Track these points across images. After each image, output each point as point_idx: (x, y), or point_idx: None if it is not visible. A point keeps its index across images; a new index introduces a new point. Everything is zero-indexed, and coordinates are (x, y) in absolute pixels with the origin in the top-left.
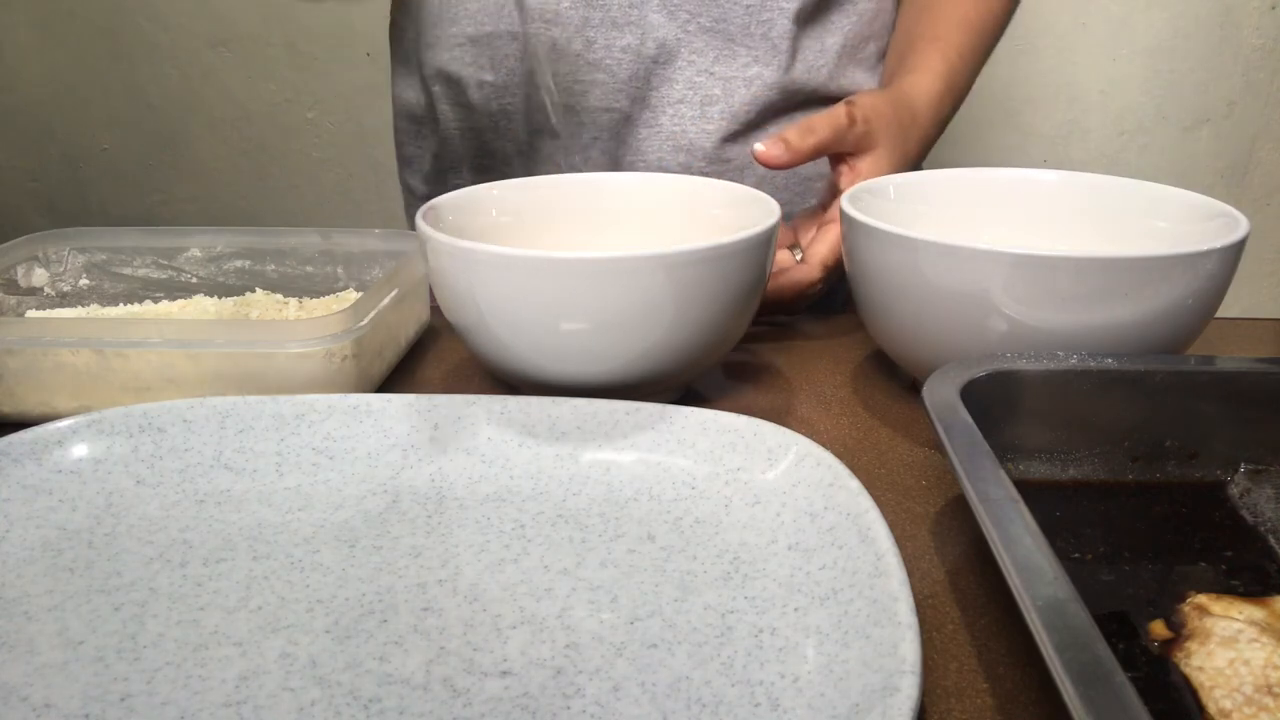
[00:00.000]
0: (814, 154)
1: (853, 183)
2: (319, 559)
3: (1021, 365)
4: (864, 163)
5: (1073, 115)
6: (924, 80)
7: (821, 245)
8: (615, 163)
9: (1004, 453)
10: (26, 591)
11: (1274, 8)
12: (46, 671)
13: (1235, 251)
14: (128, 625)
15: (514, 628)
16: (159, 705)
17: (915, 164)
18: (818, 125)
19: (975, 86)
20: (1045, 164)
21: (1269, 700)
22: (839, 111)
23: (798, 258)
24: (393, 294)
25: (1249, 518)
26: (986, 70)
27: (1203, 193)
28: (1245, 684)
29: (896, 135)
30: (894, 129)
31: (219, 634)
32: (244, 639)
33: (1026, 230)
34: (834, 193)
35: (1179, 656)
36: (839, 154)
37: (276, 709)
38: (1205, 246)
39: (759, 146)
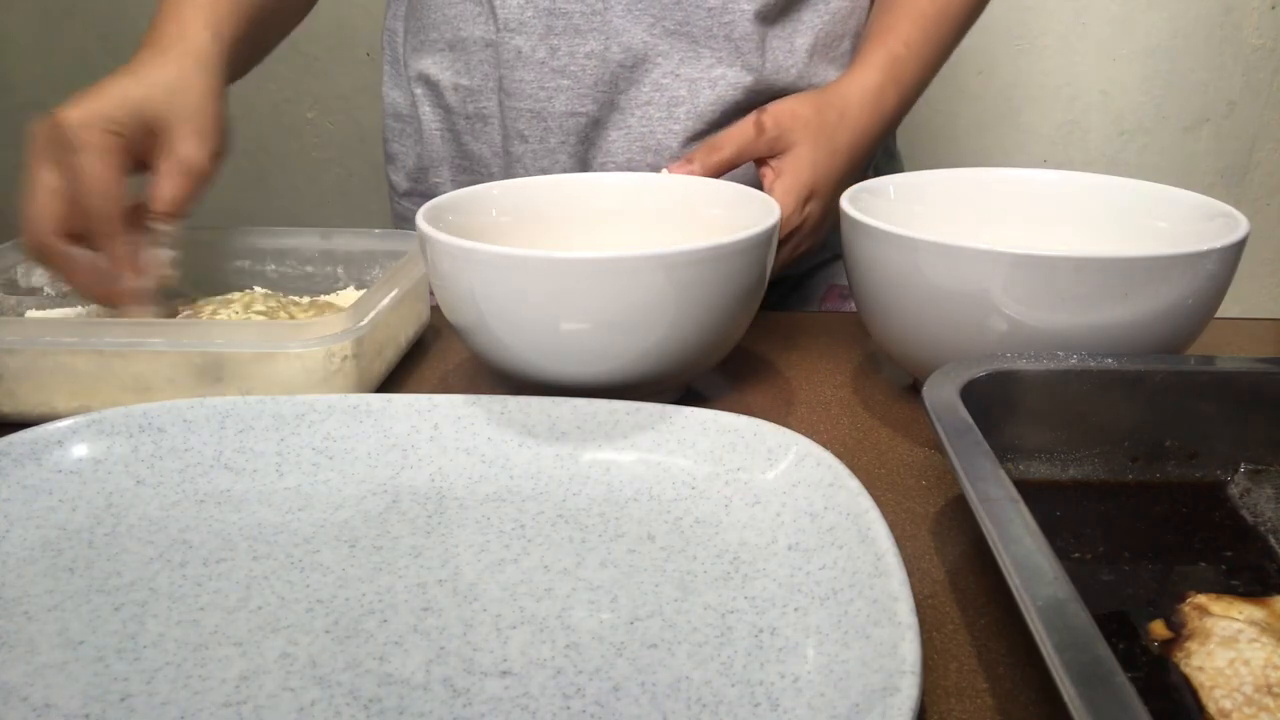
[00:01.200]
0: (725, 168)
1: (774, 181)
2: (319, 559)
3: (1021, 365)
4: (784, 162)
5: (1073, 115)
6: (861, 75)
7: None
8: (584, 164)
9: (1004, 453)
10: (26, 591)
11: (1274, 8)
12: (46, 671)
13: (1235, 251)
14: (128, 625)
15: (514, 628)
16: (159, 705)
17: (854, 157)
18: (724, 141)
19: (976, 87)
20: (1045, 164)
21: (1269, 700)
22: (747, 123)
23: None
24: (393, 294)
25: (1249, 518)
26: (987, 70)
27: (1203, 193)
28: (1245, 684)
29: (818, 133)
30: (814, 128)
31: (219, 634)
32: (244, 639)
33: (1026, 230)
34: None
35: (1179, 656)
36: (760, 159)
37: (276, 709)
38: (1205, 246)
39: (665, 170)
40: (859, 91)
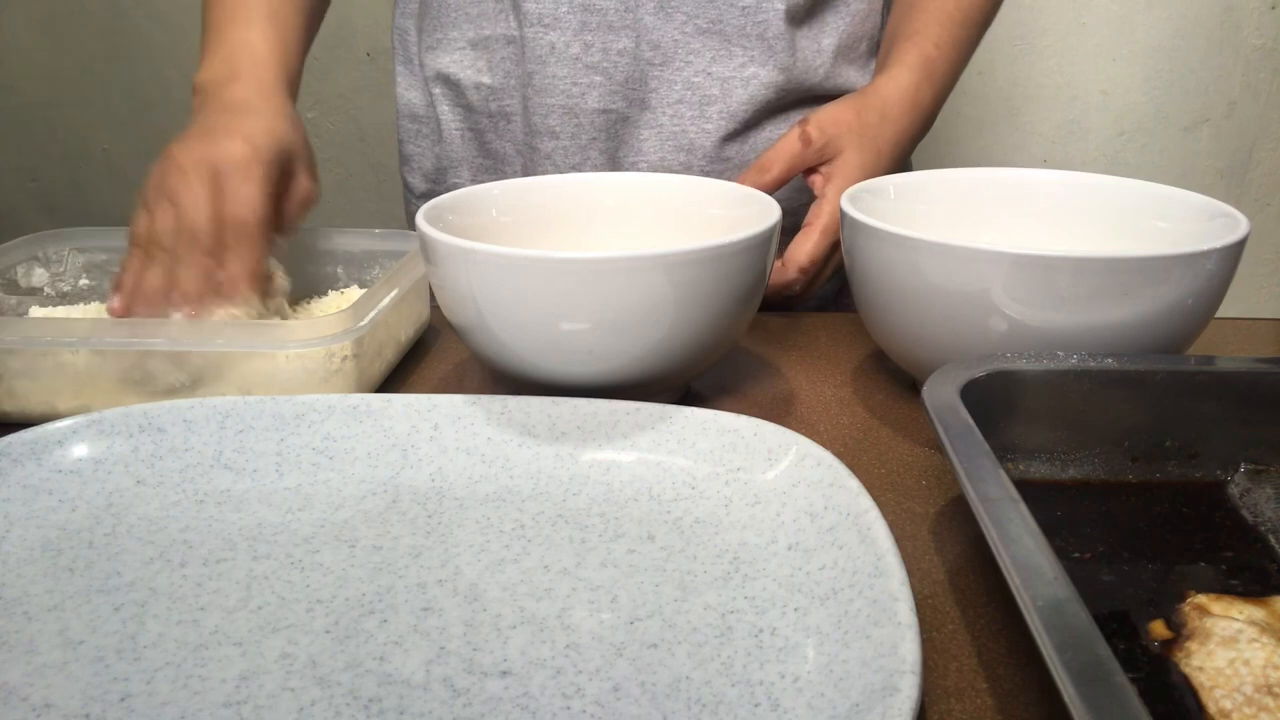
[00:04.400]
0: (776, 186)
1: (825, 185)
2: (319, 559)
3: (1021, 365)
4: (833, 168)
5: (1073, 115)
6: (896, 75)
7: (797, 249)
8: (615, 163)
9: (1004, 453)
10: (26, 591)
11: (1274, 8)
12: (46, 671)
13: (1235, 251)
14: (128, 625)
15: (514, 628)
16: (159, 705)
17: (897, 155)
18: (772, 161)
19: (976, 87)
20: (1045, 164)
21: (1269, 700)
22: (792, 136)
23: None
24: (392, 294)
25: (1249, 518)
26: (987, 70)
27: (1203, 193)
28: (1245, 684)
29: (862, 135)
30: (857, 131)
31: (219, 634)
32: (244, 639)
33: (1026, 230)
34: (812, 199)
35: (1179, 656)
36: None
37: (276, 709)
38: (1205, 246)
39: None
40: (896, 92)
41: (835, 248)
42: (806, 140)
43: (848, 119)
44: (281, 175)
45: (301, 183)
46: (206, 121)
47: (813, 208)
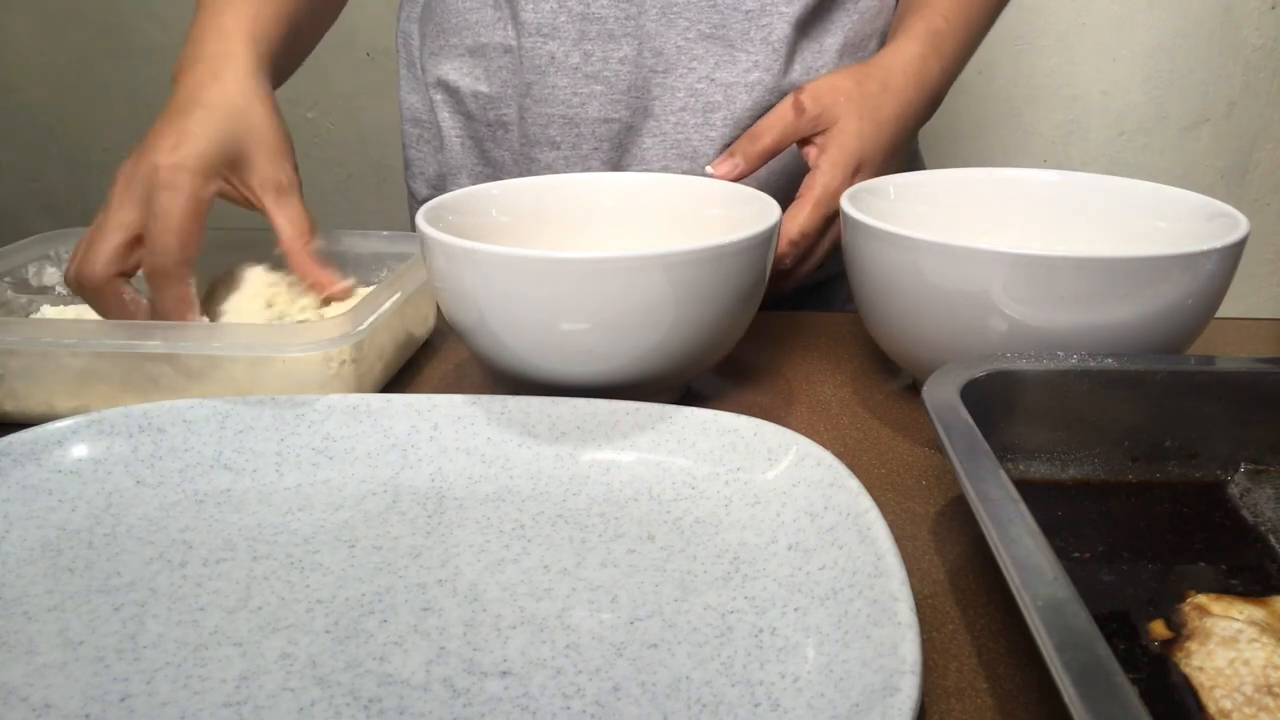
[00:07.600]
0: (767, 156)
1: (819, 156)
2: (319, 559)
3: (1021, 365)
4: (829, 138)
5: (1073, 115)
6: (901, 46)
7: (788, 221)
8: (617, 171)
9: (1004, 453)
10: (26, 591)
11: (1274, 8)
12: (46, 671)
13: (1235, 251)
14: (128, 625)
15: (514, 628)
16: (159, 705)
17: (899, 130)
18: (764, 129)
19: (976, 86)
20: (1045, 164)
21: (1269, 700)
22: (785, 105)
23: None
24: (394, 298)
25: (1249, 518)
26: (987, 69)
27: (1203, 193)
28: (1245, 684)
29: (860, 105)
30: (856, 100)
31: (219, 634)
32: (244, 639)
33: (1026, 230)
34: (807, 170)
35: (1179, 656)
36: (804, 139)
37: (276, 709)
38: (1205, 246)
39: (709, 169)
40: (900, 62)
41: (828, 221)
42: (800, 109)
43: (846, 87)
44: (230, 167)
45: (261, 169)
46: (155, 127)
47: (806, 179)
